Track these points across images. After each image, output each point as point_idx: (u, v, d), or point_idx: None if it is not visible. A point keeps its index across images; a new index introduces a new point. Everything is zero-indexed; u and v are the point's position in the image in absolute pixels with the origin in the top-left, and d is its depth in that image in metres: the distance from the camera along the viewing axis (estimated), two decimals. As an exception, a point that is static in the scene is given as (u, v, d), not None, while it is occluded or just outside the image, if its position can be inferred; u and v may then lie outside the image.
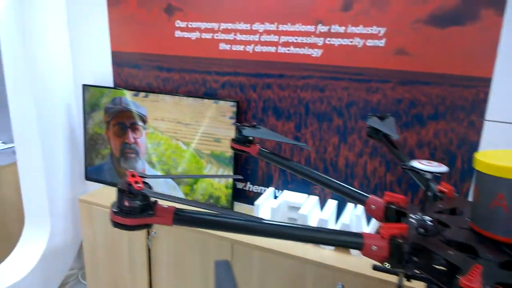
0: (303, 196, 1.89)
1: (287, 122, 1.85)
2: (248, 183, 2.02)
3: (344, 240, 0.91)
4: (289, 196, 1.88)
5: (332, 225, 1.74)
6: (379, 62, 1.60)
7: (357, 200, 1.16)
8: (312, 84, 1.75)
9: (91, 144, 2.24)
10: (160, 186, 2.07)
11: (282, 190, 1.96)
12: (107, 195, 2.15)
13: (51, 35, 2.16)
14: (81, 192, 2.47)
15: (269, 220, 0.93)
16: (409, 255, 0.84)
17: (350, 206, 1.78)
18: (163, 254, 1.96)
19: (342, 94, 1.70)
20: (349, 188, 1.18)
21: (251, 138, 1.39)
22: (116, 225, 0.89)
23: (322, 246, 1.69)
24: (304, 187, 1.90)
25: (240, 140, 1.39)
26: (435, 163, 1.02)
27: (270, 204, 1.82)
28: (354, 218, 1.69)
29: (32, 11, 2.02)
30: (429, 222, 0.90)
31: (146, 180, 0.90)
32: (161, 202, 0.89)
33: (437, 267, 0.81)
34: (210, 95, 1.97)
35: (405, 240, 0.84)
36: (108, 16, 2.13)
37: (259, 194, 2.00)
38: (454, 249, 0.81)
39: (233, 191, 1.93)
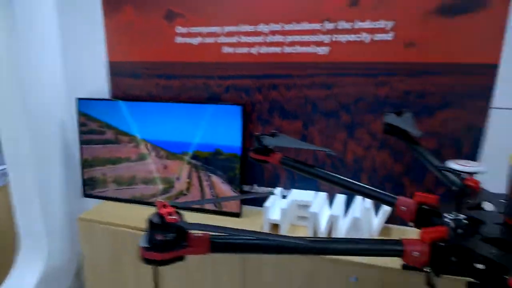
0: (312, 193, 1.90)
1: (294, 121, 1.86)
2: (255, 185, 2.01)
3: (384, 249, 0.89)
4: (298, 195, 1.89)
5: (341, 220, 1.75)
6: (388, 55, 1.64)
7: (386, 202, 1.16)
8: (318, 82, 1.77)
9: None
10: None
11: (289, 189, 1.96)
12: (108, 212, 2.07)
13: (42, 47, 2.07)
14: (78, 210, 2.39)
15: (307, 238, 0.90)
16: (450, 258, 0.82)
17: (358, 199, 1.81)
18: (172, 272, 1.91)
19: (350, 90, 1.74)
20: (378, 191, 1.18)
21: (270, 147, 1.38)
22: (148, 261, 0.84)
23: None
24: (312, 184, 1.92)
25: (260, 150, 1.37)
26: (473, 163, 1.06)
27: (279, 205, 1.82)
28: (364, 211, 1.71)
29: (21, 20, 1.91)
30: (464, 221, 0.88)
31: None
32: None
33: (477, 266, 0.79)
34: (213, 99, 1.96)
35: (446, 243, 0.83)
36: (105, 25, 2.06)
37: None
38: (494, 246, 0.79)
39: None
